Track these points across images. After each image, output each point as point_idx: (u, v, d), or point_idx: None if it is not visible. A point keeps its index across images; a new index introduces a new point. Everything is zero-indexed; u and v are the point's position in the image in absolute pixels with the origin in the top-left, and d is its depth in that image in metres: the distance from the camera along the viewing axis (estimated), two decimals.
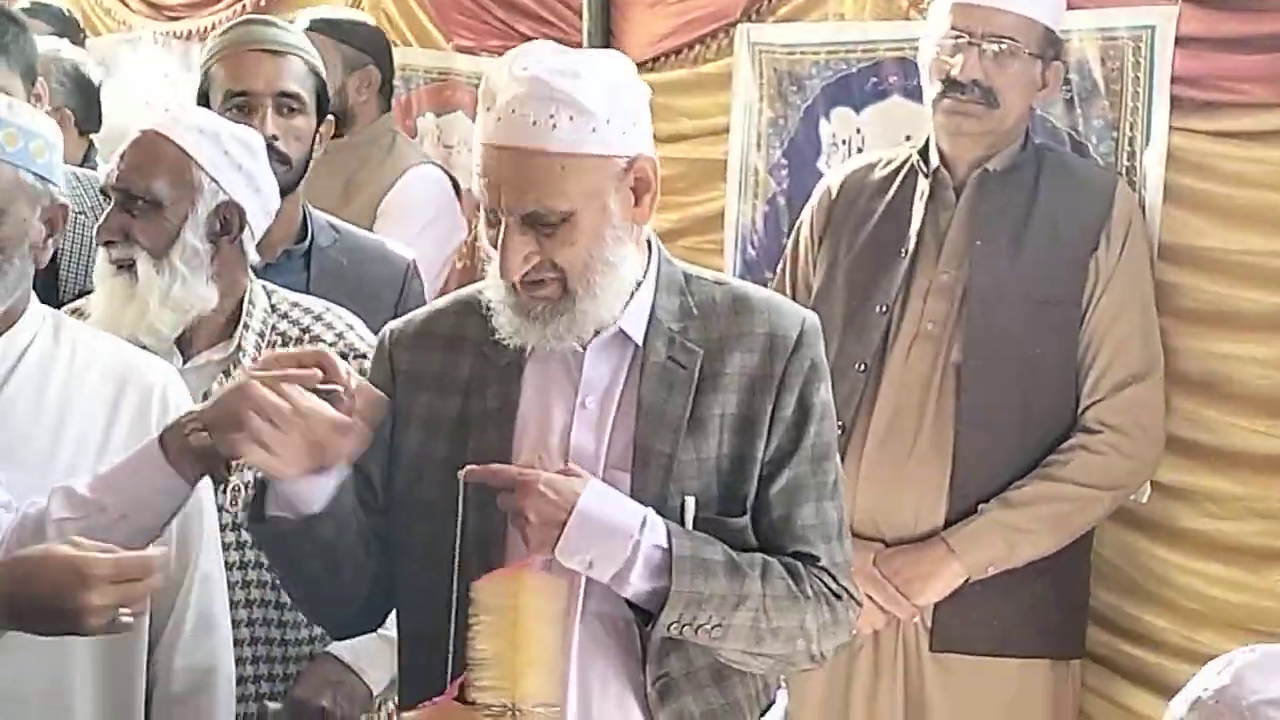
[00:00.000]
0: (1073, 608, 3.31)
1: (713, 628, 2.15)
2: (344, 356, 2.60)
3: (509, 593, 2.07)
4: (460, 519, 2.13)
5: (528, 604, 2.07)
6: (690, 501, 2.17)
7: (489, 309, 2.21)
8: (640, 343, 2.21)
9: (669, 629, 2.14)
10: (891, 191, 3.31)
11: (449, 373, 2.26)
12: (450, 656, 2.11)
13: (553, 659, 2.08)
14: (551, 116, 2.07)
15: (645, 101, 2.19)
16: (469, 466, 2.12)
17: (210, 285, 2.64)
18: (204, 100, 3.13)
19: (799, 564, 2.21)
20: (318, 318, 2.73)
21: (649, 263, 2.24)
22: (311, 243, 3.14)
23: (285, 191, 3.05)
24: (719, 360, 2.20)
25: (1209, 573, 3.25)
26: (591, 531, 2.10)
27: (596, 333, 2.20)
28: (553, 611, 2.10)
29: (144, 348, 2.53)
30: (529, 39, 4.49)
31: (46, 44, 3.91)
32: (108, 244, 2.62)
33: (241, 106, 3.07)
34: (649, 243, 2.25)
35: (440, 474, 2.18)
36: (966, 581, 3.16)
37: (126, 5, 5.82)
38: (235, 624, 2.58)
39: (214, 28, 5.38)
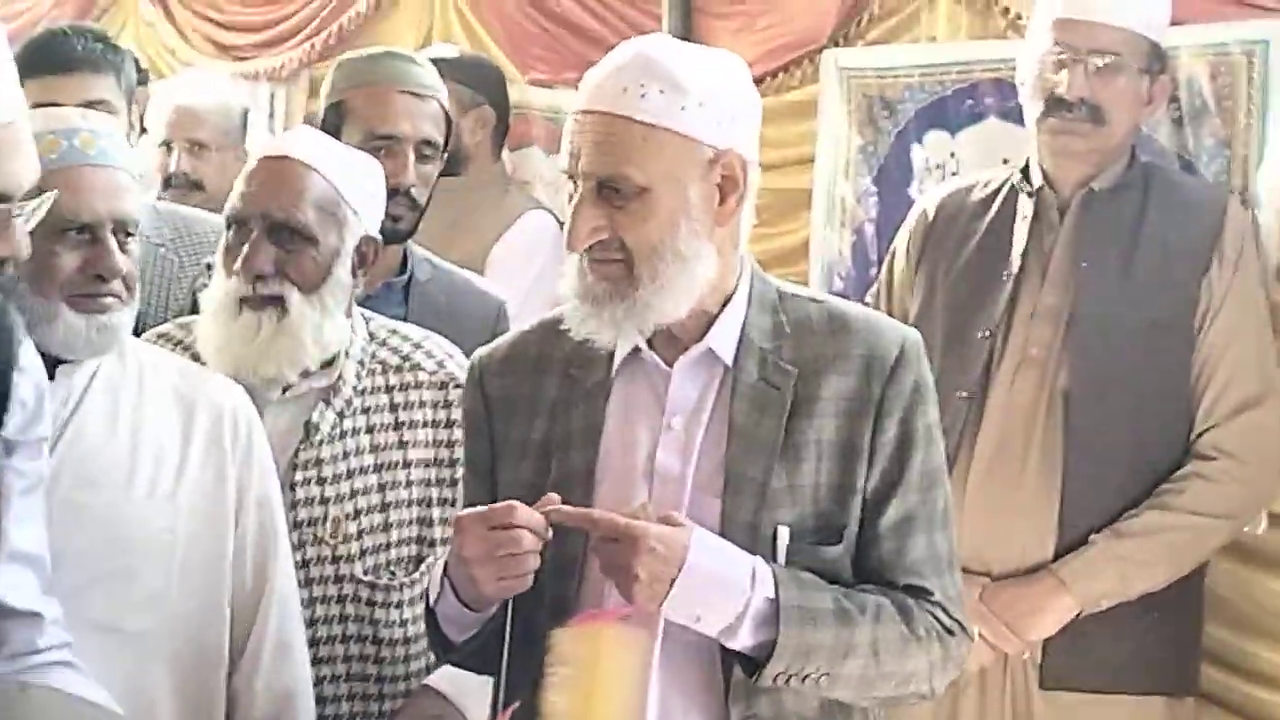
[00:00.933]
0: (1186, 644, 3.17)
1: (820, 677, 2.06)
2: (444, 385, 2.56)
3: (588, 646, 1.99)
4: (543, 557, 2.03)
5: (608, 658, 1.99)
6: (784, 532, 2.07)
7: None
8: (730, 363, 2.11)
9: (775, 680, 2.04)
10: (992, 213, 3.20)
11: (536, 395, 2.18)
12: (499, 689, 2.06)
13: (629, 717, 1.99)
14: (642, 86, 2.01)
15: (753, 106, 2.11)
16: (553, 507, 2.02)
17: (347, 320, 2.57)
18: (330, 128, 3.02)
19: (910, 601, 2.11)
20: (417, 345, 2.65)
21: (740, 279, 2.14)
22: (411, 277, 3.09)
23: (408, 235, 3.04)
24: (814, 382, 2.10)
25: None
26: (701, 588, 2.01)
27: (684, 350, 2.11)
28: (633, 666, 2.01)
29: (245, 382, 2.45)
30: None
31: None
32: (258, 278, 2.48)
33: (383, 149, 2.98)
34: (742, 259, 2.16)
35: (527, 499, 2.08)
36: (1078, 616, 3.04)
37: (191, 45, 5.77)
38: (330, 659, 2.51)
39: (282, 68, 5.37)
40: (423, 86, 3.08)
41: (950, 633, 2.13)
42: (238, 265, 2.47)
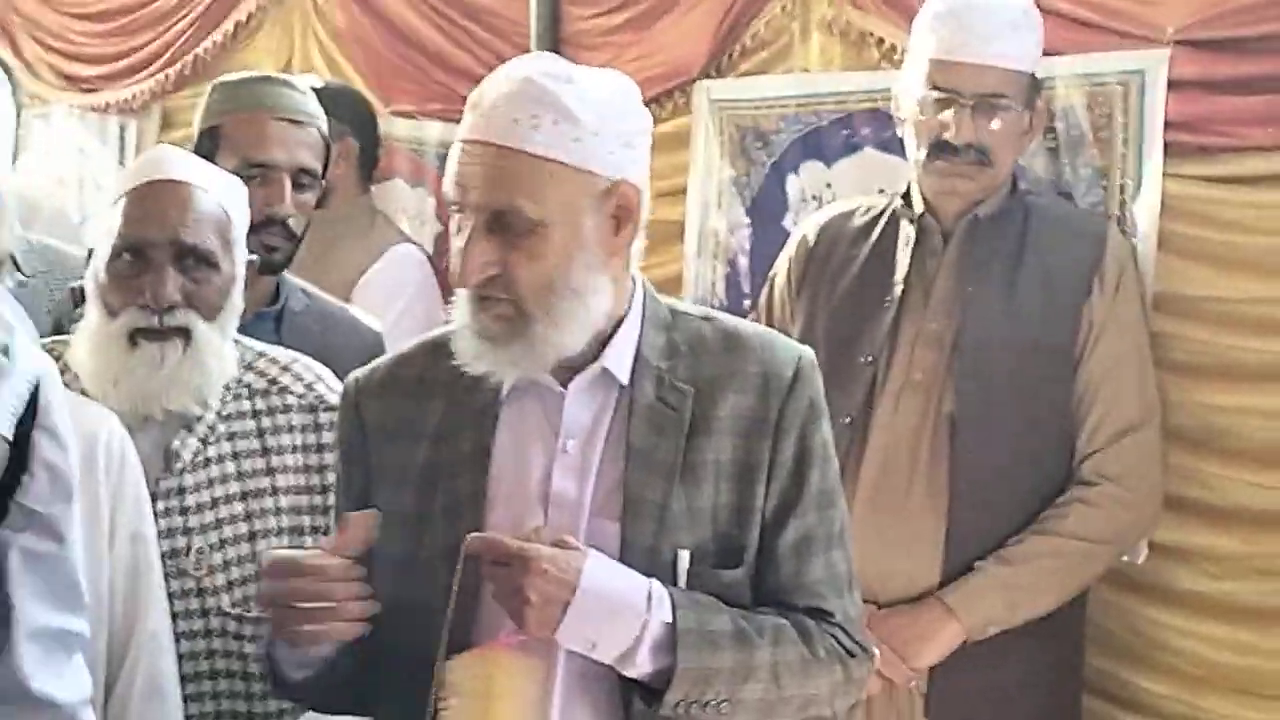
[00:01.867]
0: (1068, 673, 3.17)
1: (720, 703, 2.00)
2: (313, 409, 2.47)
3: (480, 675, 1.92)
4: (454, 588, 1.95)
5: (501, 688, 1.93)
6: (684, 555, 2.02)
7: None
8: (626, 383, 2.05)
9: (675, 708, 1.98)
10: (873, 238, 3.20)
11: (418, 419, 2.10)
12: None
13: None
14: (535, 117, 1.93)
15: (644, 129, 2.05)
16: (472, 535, 1.95)
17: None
18: (204, 153, 2.91)
19: (810, 623, 2.06)
20: (285, 368, 2.55)
21: (633, 298, 2.09)
22: (284, 306, 3.01)
23: (283, 266, 2.97)
24: (711, 401, 2.05)
25: (1211, 635, 3.14)
26: (597, 612, 1.94)
27: (577, 371, 2.05)
28: (528, 695, 1.95)
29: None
30: None
31: None
32: (169, 309, 2.37)
33: (258, 178, 2.90)
34: (634, 278, 2.10)
35: (408, 528, 2.02)
36: (964, 643, 3.01)
37: (38, 77, 5.61)
38: (198, 696, 2.40)
39: (133, 99, 5.23)
40: (301, 113, 3.01)
41: (851, 654, 2.09)
42: (145, 297, 2.36)
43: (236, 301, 2.45)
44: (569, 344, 2.01)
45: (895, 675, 3.03)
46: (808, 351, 2.13)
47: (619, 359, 2.06)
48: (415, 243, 4.20)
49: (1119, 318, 3.06)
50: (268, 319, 2.96)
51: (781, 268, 3.33)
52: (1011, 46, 3.04)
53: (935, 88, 3.05)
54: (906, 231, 3.15)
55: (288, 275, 3.06)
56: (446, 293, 4.19)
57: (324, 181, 3.09)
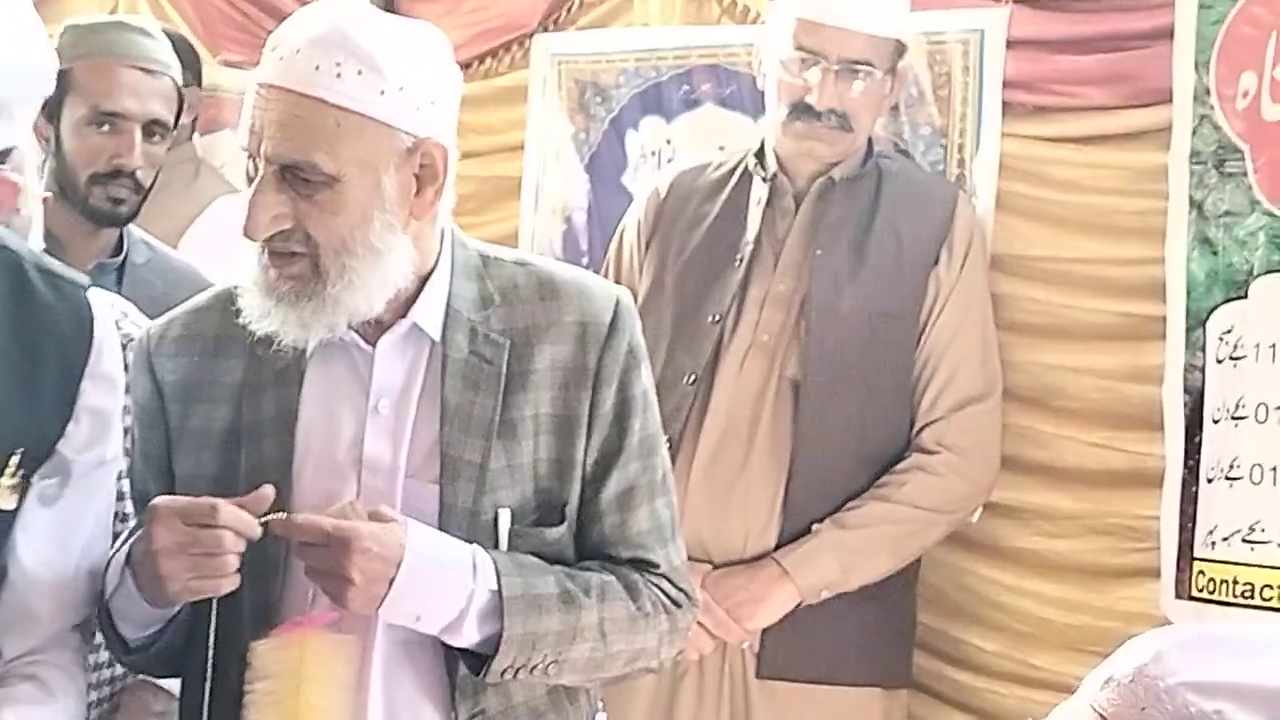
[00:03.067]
0: (900, 633, 3.17)
1: (548, 665, 1.95)
2: (123, 347, 2.36)
3: (292, 658, 1.84)
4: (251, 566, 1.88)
5: (313, 670, 1.84)
6: (505, 515, 1.95)
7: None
8: (438, 338, 1.96)
9: (502, 675, 1.92)
10: (725, 195, 3.15)
11: (219, 379, 1.99)
12: (202, 703, 1.90)
13: None
14: (338, 65, 1.82)
15: (453, 87, 1.95)
16: (275, 516, 1.85)
17: None
18: (52, 100, 2.74)
19: (636, 576, 2.02)
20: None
21: (440, 250, 1.99)
22: (126, 258, 2.92)
23: (129, 219, 2.90)
24: (527, 353, 1.97)
25: (1041, 593, 3.16)
26: (422, 586, 1.87)
27: (385, 328, 1.95)
28: (342, 675, 1.87)
29: None
30: None
31: None
32: None
33: (107, 125, 2.82)
34: (442, 230, 2.00)
35: (213, 493, 1.90)
36: (798, 605, 2.99)
37: None
38: None
39: None
40: (154, 61, 2.90)
41: (677, 604, 2.05)
42: None
43: (37, 228, 2.36)
44: (363, 306, 1.90)
45: (728, 636, 3.01)
46: (625, 294, 2.06)
47: (429, 313, 1.96)
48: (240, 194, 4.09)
49: (965, 288, 3.05)
50: (109, 271, 2.87)
51: (631, 221, 3.26)
52: (880, 12, 3.00)
53: (800, 48, 2.99)
54: (759, 190, 3.10)
55: (131, 226, 2.97)
56: None
57: (174, 132, 2.99)
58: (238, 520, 1.83)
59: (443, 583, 1.88)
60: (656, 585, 2.03)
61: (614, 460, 2.00)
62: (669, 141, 3.62)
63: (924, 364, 3.05)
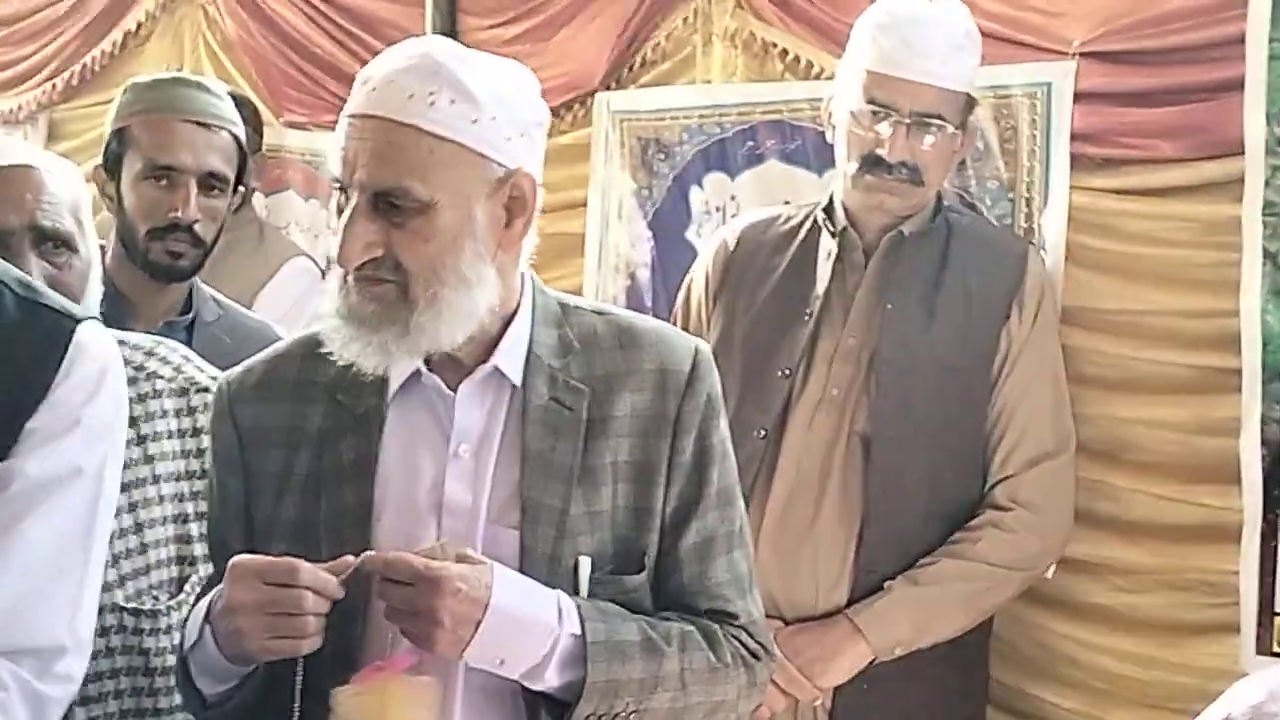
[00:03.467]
0: (974, 690, 3.14)
1: (629, 714, 1.94)
2: (184, 391, 2.37)
3: (374, 704, 1.84)
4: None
5: (397, 715, 1.84)
6: (586, 562, 1.94)
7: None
8: (518, 383, 1.97)
9: None
10: (793, 249, 3.14)
11: (298, 425, 2.00)
12: None
13: None
14: (432, 93, 1.84)
15: (542, 121, 1.97)
16: (368, 553, 1.86)
17: None
18: (112, 155, 2.88)
19: (716, 627, 2.01)
20: (149, 353, 2.44)
21: (522, 294, 2.00)
22: (195, 316, 2.93)
23: (192, 273, 2.92)
24: (608, 401, 1.97)
25: (1118, 649, 3.13)
26: (508, 630, 1.87)
27: (466, 372, 1.96)
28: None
29: None
30: None
31: None
32: None
33: (163, 179, 2.85)
34: (523, 275, 2.01)
35: (291, 539, 1.93)
36: (871, 663, 2.97)
37: None
38: (101, 696, 2.25)
39: (19, 109, 5.10)
40: (211, 116, 2.92)
41: (756, 657, 2.04)
42: None
43: (96, 285, 2.34)
44: (447, 336, 1.91)
45: (800, 694, 2.98)
46: (704, 345, 2.07)
47: (510, 358, 1.97)
48: (309, 255, 4.13)
49: (1036, 343, 3.03)
50: (179, 329, 2.88)
51: (699, 273, 3.26)
52: (952, 67, 2.98)
53: (872, 101, 2.98)
54: (828, 244, 3.09)
55: (200, 284, 2.99)
56: None
57: (240, 189, 3.01)
58: (317, 581, 1.83)
59: (528, 627, 1.88)
60: (736, 638, 2.02)
61: (693, 510, 2.00)
62: (733, 197, 3.62)
63: (996, 420, 3.03)
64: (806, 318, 3.06)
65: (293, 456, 1.99)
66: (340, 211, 1.88)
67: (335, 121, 4.49)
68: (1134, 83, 3.09)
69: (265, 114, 4.47)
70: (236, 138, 2.96)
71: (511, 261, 1.97)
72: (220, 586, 1.91)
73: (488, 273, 1.91)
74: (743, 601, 2.04)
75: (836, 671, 2.97)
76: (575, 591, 1.94)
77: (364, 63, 4.22)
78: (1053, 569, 3.13)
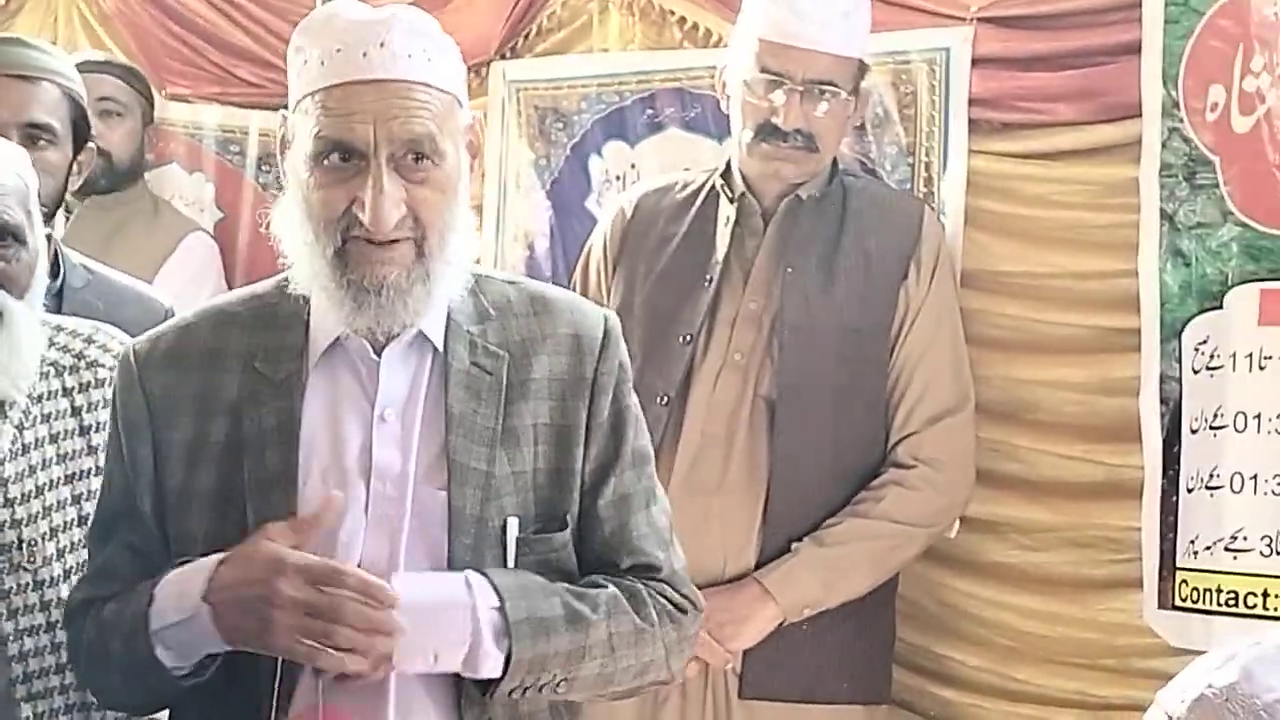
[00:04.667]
0: (880, 651, 3.16)
1: (558, 684, 1.96)
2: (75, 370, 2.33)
3: None
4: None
5: None
6: (513, 522, 1.97)
7: (259, 312, 2.01)
8: (440, 348, 1.99)
9: (510, 694, 1.93)
10: (692, 215, 3.15)
11: (212, 393, 1.99)
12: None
13: None
14: (425, 50, 1.92)
15: None
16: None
17: None
18: None
19: (640, 586, 2.03)
20: (89, 340, 2.40)
21: None
22: (64, 282, 2.84)
23: None
24: (525, 365, 2.01)
25: (1023, 606, 3.17)
26: (426, 621, 1.88)
27: (391, 337, 1.97)
28: None
29: None
30: (252, 85, 4.31)
31: None
32: None
33: None
34: None
35: (209, 508, 1.93)
36: (780, 624, 2.99)
37: None
38: (46, 692, 2.24)
39: None
40: (30, 68, 2.84)
41: (682, 611, 2.06)
42: None
43: (42, 276, 2.30)
44: (457, 286, 1.98)
45: (711, 658, 2.99)
46: (613, 315, 2.12)
47: (433, 324, 1.99)
48: (205, 230, 4.12)
49: (934, 301, 3.07)
50: (47, 295, 2.78)
51: (598, 241, 3.26)
52: (843, 34, 3.00)
53: (764, 70, 3.00)
54: (726, 210, 3.11)
55: (67, 250, 2.92)
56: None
57: (90, 145, 2.93)
58: (368, 588, 1.83)
59: (446, 610, 1.89)
60: (660, 594, 2.04)
61: (611, 469, 2.04)
62: (633, 165, 3.62)
63: (896, 378, 3.06)
64: (706, 283, 3.08)
65: (206, 424, 1.98)
66: (327, 185, 1.89)
67: (219, 94, 4.47)
68: (1031, 47, 3.13)
69: None
70: (68, 91, 2.87)
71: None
72: (207, 563, 1.89)
73: (470, 217, 1.99)
74: (664, 554, 2.07)
75: (747, 634, 2.99)
76: (503, 552, 1.95)
77: (248, 32, 4.25)
78: (956, 527, 3.17)
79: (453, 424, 1.96)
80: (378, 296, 1.91)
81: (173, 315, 2.91)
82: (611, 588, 2.00)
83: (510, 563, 1.96)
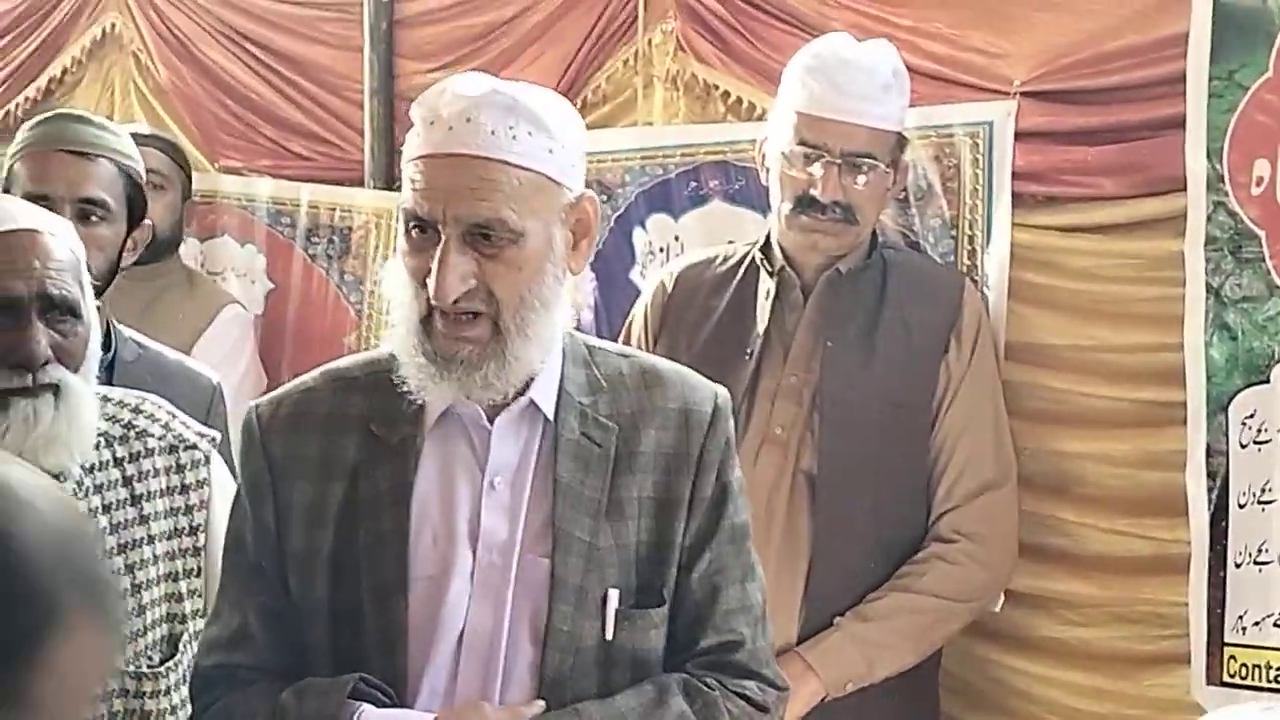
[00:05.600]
0: None
1: None
2: (173, 449, 2.37)
3: None
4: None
5: None
6: (614, 594, 2.00)
7: (377, 377, 2.02)
8: (551, 418, 2.02)
9: None
10: (732, 288, 3.16)
11: (332, 456, 2.04)
12: None
13: None
14: (511, 127, 1.91)
15: (586, 148, 2.06)
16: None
17: None
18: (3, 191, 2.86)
19: (715, 695, 2.02)
20: (137, 410, 2.42)
21: None
22: (115, 356, 2.89)
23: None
24: (633, 437, 2.04)
25: (1069, 682, 3.15)
26: None
27: (504, 405, 2.01)
28: None
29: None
30: (303, 158, 4.36)
31: None
32: (43, 365, 2.21)
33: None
34: None
35: (329, 570, 1.98)
36: (823, 699, 2.97)
37: None
38: None
39: None
40: (87, 145, 2.90)
41: (763, 709, 2.07)
42: (17, 355, 2.19)
43: (96, 349, 2.32)
44: (537, 361, 1.98)
45: None
46: (724, 390, 2.14)
47: (545, 393, 2.03)
48: (240, 302, 4.16)
49: (975, 375, 3.06)
50: (99, 368, 2.83)
51: (639, 315, 3.28)
52: (881, 106, 3.02)
53: (803, 142, 3.02)
54: (766, 284, 3.12)
55: (119, 325, 2.96)
56: (271, 351, 4.17)
57: (145, 221, 2.97)
58: None
59: None
60: (739, 694, 2.04)
61: (708, 541, 2.06)
62: (677, 238, 3.63)
63: (938, 452, 3.06)
64: (747, 357, 3.08)
65: (326, 488, 2.03)
66: (412, 251, 1.94)
67: (271, 166, 4.53)
68: (1075, 121, 3.12)
69: (201, 160, 4.46)
70: (124, 168, 2.92)
71: (574, 283, 2.04)
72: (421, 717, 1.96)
73: (563, 296, 2.00)
74: (750, 630, 2.08)
75: (790, 710, 2.97)
76: (602, 624, 1.99)
77: (299, 107, 4.31)
78: (1001, 602, 3.15)
79: (560, 493, 2.00)
80: (449, 369, 1.94)
81: (219, 389, 2.96)
82: (684, 702, 2.00)
83: (609, 634, 1.99)
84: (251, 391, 3.89)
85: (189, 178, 4.14)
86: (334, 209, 4.30)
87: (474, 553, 1.99)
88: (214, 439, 2.38)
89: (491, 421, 2.01)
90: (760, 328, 3.10)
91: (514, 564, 1.98)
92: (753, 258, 3.16)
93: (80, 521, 1.37)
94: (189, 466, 2.34)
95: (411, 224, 1.94)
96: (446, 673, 1.97)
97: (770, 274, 3.12)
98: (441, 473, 2.01)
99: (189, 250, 4.45)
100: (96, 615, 1.26)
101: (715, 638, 2.05)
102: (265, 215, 4.38)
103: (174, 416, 2.43)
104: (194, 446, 2.35)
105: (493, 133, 1.90)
